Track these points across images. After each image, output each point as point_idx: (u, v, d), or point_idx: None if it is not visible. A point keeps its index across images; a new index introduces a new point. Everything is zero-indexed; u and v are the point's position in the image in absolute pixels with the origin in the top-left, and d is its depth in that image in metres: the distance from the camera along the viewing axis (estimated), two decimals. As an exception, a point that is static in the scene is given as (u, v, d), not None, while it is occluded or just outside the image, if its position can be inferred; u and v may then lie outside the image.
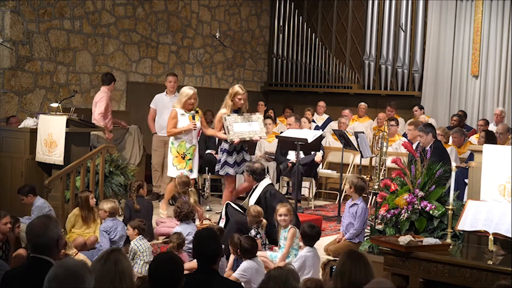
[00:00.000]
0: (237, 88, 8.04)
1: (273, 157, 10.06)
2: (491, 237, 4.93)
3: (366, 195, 8.08)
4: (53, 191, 7.70)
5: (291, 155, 9.51)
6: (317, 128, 11.82)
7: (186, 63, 12.74)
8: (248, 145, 8.42)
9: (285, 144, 9.09)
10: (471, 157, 7.20)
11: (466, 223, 5.11)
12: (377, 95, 13.26)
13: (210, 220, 7.66)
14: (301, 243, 6.17)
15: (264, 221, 6.59)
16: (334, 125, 12.03)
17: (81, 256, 6.18)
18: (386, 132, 8.28)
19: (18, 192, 7.30)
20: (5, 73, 9.80)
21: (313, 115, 12.25)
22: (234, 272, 5.62)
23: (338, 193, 9.39)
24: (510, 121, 11.42)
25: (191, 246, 5.93)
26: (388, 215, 5.73)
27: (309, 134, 9.12)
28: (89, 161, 7.81)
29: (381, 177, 7.83)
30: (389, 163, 8.82)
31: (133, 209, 7.28)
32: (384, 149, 8.13)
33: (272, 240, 6.75)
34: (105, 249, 4.52)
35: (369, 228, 6.38)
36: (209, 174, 9.23)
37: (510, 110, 11.71)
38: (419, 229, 5.59)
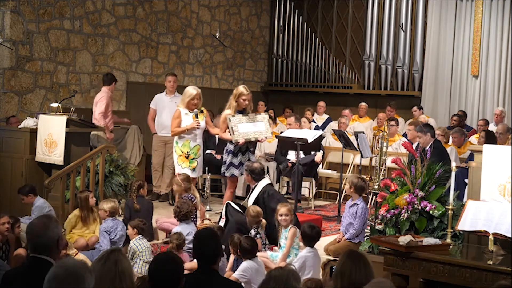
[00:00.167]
0: (241, 88, 7.98)
1: (273, 157, 10.06)
2: (491, 237, 4.93)
3: (366, 195, 8.08)
4: (53, 191, 7.70)
5: (291, 155, 9.51)
6: (317, 128, 11.82)
7: (186, 63, 12.74)
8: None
9: (285, 144, 9.08)
10: (471, 157, 7.20)
11: (466, 223, 5.11)
12: (377, 95, 13.26)
13: (210, 220, 7.66)
14: (301, 243, 6.17)
15: (264, 221, 6.59)
16: (334, 125, 12.03)
17: (81, 256, 6.18)
18: (386, 132, 8.28)
19: (19, 192, 7.30)
20: (5, 73, 9.80)
21: (313, 115, 12.25)
22: (234, 272, 5.63)
23: (338, 193, 9.39)
24: (510, 121, 11.42)
25: (191, 246, 5.94)
26: (388, 215, 5.73)
27: (309, 134, 9.12)
28: (89, 161, 7.81)
29: (381, 177, 7.83)
30: (389, 163, 8.83)
31: (133, 209, 7.28)
32: (384, 149, 8.12)
33: (272, 240, 6.75)
34: (105, 250, 4.52)
35: (369, 228, 6.38)
36: (209, 174, 9.23)
37: (510, 110, 11.71)
38: (419, 229, 5.59)
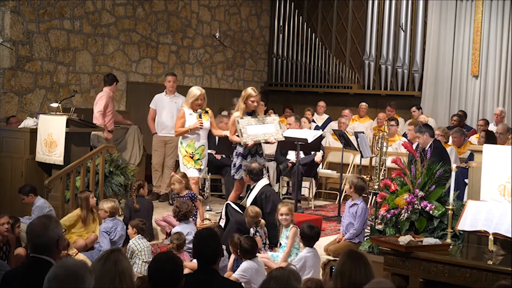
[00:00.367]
0: (249, 90, 7.91)
1: (273, 158, 10.05)
2: (491, 237, 4.93)
3: (366, 195, 8.08)
4: (53, 191, 7.71)
5: (291, 155, 9.51)
6: (317, 128, 11.82)
7: (186, 63, 12.74)
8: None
9: (285, 144, 9.07)
10: (471, 157, 7.20)
11: (466, 223, 5.11)
12: (377, 95, 13.26)
13: (210, 220, 7.65)
14: (301, 244, 6.17)
15: (263, 221, 6.59)
16: (334, 125, 12.03)
17: (81, 256, 6.19)
18: (386, 132, 8.27)
19: (19, 192, 7.31)
20: (5, 73, 9.80)
21: (313, 115, 12.25)
22: (234, 272, 5.63)
23: (338, 193, 9.38)
24: (510, 121, 11.41)
25: (190, 246, 5.94)
26: (388, 215, 5.74)
27: (309, 134, 9.12)
28: (89, 161, 7.81)
29: (381, 177, 7.83)
30: (389, 163, 8.82)
31: (133, 209, 7.28)
32: (384, 149, 8.12)
33: (270, 241, 6.74)
34: (105, 250, 4.52)
35: (369, 228, 6.38)
36: (209, 174, 9.23)
37: (510, 110, 11.71)
38: (419, 229, 5.59)
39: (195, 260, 4.97)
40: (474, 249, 5.17)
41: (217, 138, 9.38)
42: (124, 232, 6.85)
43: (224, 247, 5.77)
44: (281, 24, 14.36)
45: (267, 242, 6.65)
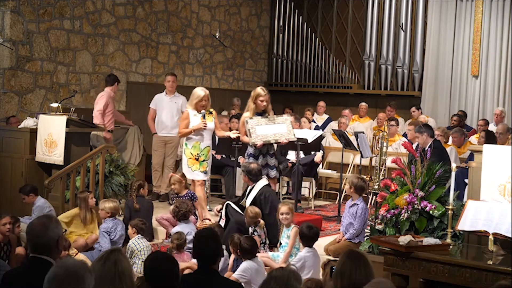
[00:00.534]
0: (258, 90, 7.86)
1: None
2: (491, 237, 4.93)
3: (366, 195, 8.08)
4: (53, 191, 7.71)
5: (291, 155, 9.50)
6: (317, 128, 11.82)
7: (186, 63, 12.74)
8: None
9: (285, 144, 9.07)
10: (471, 157, 7.20)
11: (466, 223, 5.11)
12: (377, 95, 13.26)
13: (210, 220, 7.65)
14: (301, 244, 6.17)
15: (262, 221, 6.59)
16: (334, 125, 12.03)
17: (81, 256, 6.19)
18: (386, 132, 8.27)
19: (20, 191, 7.31)
20: (5, 73, 9.80)
21: (313, 115, 12.25)
22: (234, 272, 5.63)
23: (338, 193, 9.38)
24: (510, 121, 11.41)
25: (190, 245, 5.95)
26: (388, 215, 5.74)
27: (309, 134, 9.12)
28: (89, 161, 7.81)
29: (381, 177, 7.82)
30: (389, 163, 8.82)
31: (133, 209, 7.28)
32: (384, 149, 8.12)
33: (269, 241, 6.74)
34: (105, 250, 4.52)
35: (369, 228, 6.38)
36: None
37: (510, 110, 11.71)
38: (419, 229, 5.59)
39: (195, 260, 4.97)
40: (474, 249, 5.17)
41: (217, 138, 9.37)
42: (124, 232, 6.85)
43: (224, 247, 5.78)
44: (281, 24, 14.36)
45: (267, 242, 6.65)
